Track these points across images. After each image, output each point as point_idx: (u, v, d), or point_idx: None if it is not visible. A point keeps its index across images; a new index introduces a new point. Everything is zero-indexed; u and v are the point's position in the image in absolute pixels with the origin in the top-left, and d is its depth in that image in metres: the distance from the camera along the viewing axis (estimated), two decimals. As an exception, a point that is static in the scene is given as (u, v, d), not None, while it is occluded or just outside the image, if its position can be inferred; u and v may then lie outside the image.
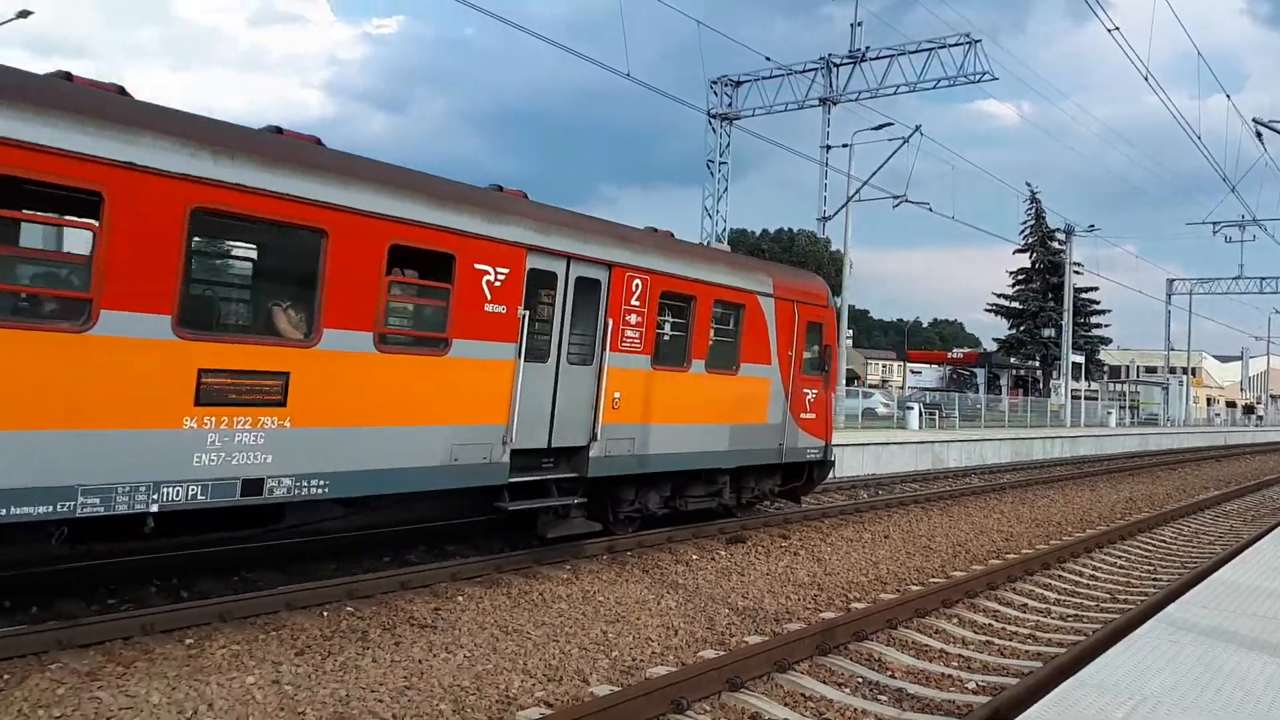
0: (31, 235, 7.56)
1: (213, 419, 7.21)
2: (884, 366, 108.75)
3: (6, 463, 6.26)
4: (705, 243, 37.94)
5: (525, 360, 9.67)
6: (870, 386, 68.64)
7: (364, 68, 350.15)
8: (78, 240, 7.20)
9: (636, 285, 11.10)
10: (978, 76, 34.67)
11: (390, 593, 8.95)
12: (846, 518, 16.08)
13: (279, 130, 8.41)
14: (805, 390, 14.33)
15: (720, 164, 40.65)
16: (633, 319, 11.08)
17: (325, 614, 8.21)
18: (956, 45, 35.07)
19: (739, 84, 40.08)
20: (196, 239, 7.36)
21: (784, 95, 38.98)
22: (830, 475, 15.99)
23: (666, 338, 11.97)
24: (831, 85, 38.31)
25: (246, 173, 7.38)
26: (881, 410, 42.71)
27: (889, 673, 7.96)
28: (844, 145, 36.41)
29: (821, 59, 38.29)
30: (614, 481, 11.38)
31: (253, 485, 7.49)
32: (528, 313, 9.65)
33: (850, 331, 43.05)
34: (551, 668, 7.43)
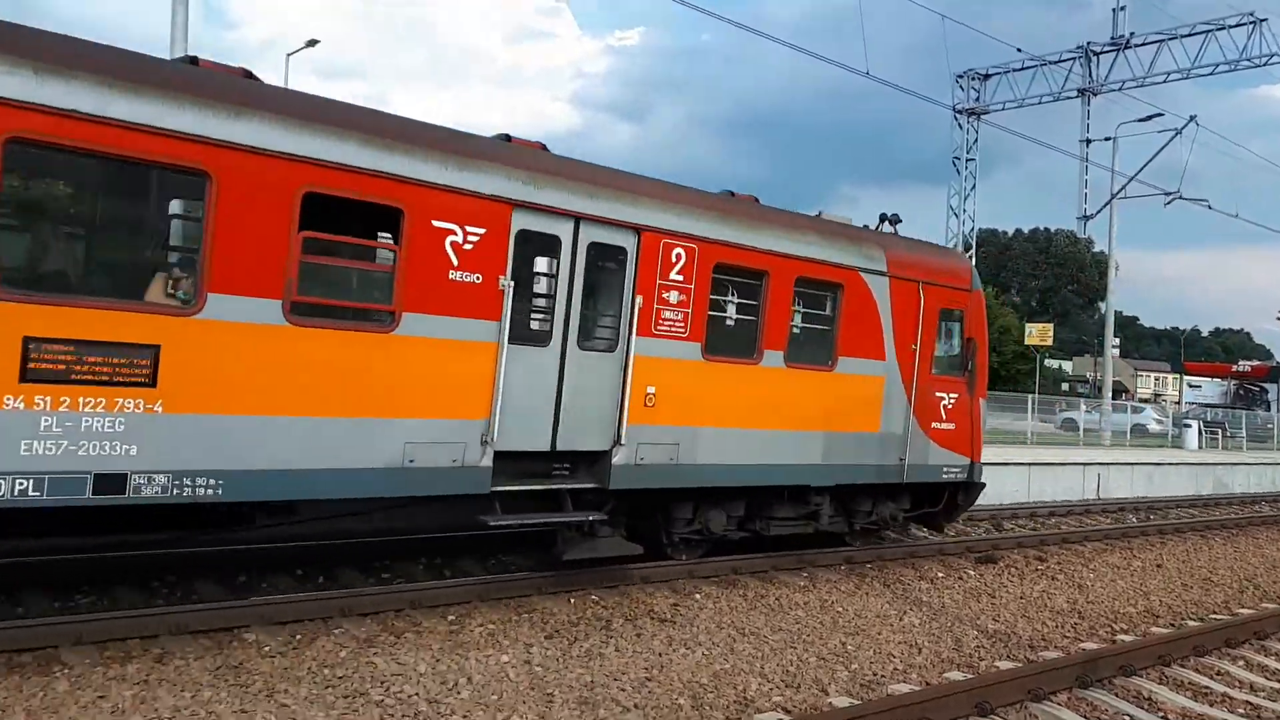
0: None
1: (47, 399, 5.91)
2: (1156, 379, 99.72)
3: None
4: (952, 244, 36.30)
5: (512, 342, 8.00)
6: (1140, 400, 63.11)
7: (607, 79, 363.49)
8: None
9: (678, 255, 9.05)
10: (1264, 59, 31.01)
11: (632, 585, 9.23)
12: (1112, 543, 14.83)
13: (194, 60, 7.17)
14: (938, 394, 11.72)
15: (967, 161, 38.79)
16: (673, 297, 9.04)
17: (572, 600, 8.57)
18: (1238, 26, 31.48)
19: (987, 77, 38.03)
20: (18, 178, 6.12)
21: (1037, 87, 36.53)
22: (980, 498, 12.84)
23: (728, 322, 10.00)
24: (1091, 75, 35.45)
25: (86, 97, 5.95)
26: (1154, 427, 39.65)
27: (1160, 713, 7.25)
28: (1106, 139, 33.95)
29: (1079, 47, 35.55)
30: (657, 495, 9.53)
31: (111, 481, 6.20)
32: (514, 284, 8.00)
33: (1116, 340, 39.89)
34: (789, 674, 7.36)
